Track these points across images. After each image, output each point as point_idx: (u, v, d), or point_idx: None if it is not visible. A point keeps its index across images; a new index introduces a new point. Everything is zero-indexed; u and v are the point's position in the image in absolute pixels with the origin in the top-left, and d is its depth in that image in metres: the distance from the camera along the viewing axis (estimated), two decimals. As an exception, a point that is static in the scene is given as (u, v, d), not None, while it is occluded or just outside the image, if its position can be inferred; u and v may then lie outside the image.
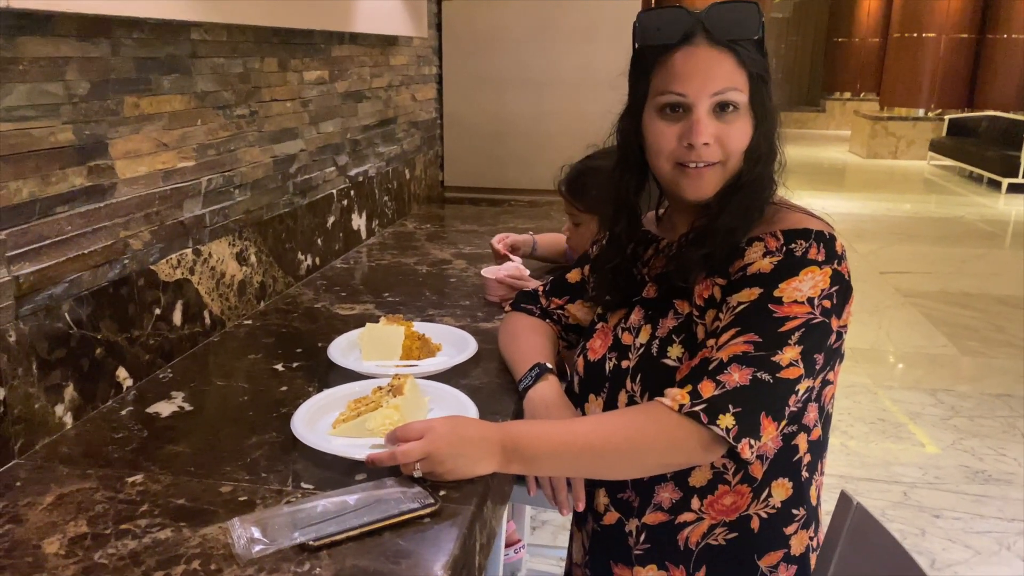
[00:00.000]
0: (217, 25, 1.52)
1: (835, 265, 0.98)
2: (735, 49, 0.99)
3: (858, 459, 3.09)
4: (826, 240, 0.99)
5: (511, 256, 1.94)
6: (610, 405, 1.10)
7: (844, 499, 0.97)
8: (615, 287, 1.17)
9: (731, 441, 0.92)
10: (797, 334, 0.94)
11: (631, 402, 1.07)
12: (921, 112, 12.05)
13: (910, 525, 2.66)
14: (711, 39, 1.00)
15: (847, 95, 15.20)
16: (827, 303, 0.96)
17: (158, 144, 1.38)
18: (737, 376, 0.93)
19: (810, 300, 0.95)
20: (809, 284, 0.96)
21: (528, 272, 1.77)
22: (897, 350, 4.26)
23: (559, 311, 1.32)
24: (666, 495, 1.06)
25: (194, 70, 1.48)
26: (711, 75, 0.99)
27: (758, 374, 0.93)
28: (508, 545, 1.93)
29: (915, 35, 11.92)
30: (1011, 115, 10.36)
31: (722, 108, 1.00)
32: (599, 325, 1.18)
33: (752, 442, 0.92)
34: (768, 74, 1.01)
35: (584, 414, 1.15)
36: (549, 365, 1.20)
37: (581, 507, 1.12)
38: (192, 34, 1.46)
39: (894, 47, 12.36)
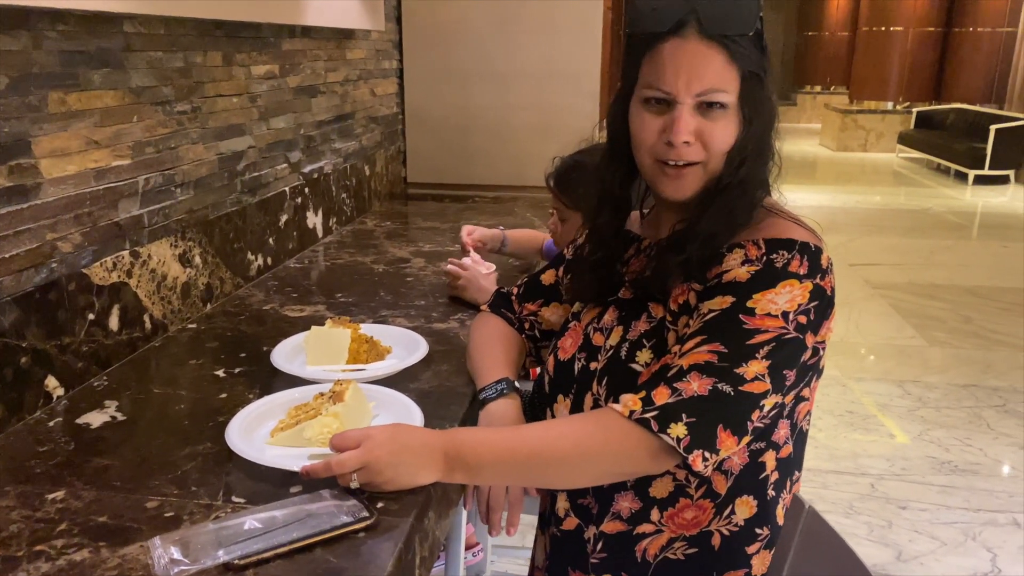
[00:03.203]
0: (153, 17, 1.46)
1: (817, 280, 0.93)
2: (727, 45, 0.93)
3: (826, 451, 3.09)
4: (811, 252, 0.94)
5: (472, 253, 1.89)
6: (577, 407, 1.06)
7: (796, 502, 0.95)
8: (592, 285, 1.12)
9: (681, 452, 0.87)
10: (766, 348, 0.89)
11: (596, 406, 1.02)
12: (890, 105, 12.17)
13: (877, 517, 2.66)
14: (702, 32, 0.93)
15: (818, 88, 15.30)
16: (803, 318, 0.91)
17: (88, 142, 1.32)
18: (696, 385, 0.89)
19: (784, 314, 0.90)
20: (786, 298, 0.91)
21: (489, 270, 1.71)
22: (866, 342, 4.28)
23: (531, 318, 1.27)
24: (625, 504, 1.01)
25: (128, 64, 1.41)
26: (697, 72, 0.93)
27: (719, 385, 0.88)
28: (467, 548, 1.89)
29: (883, 29, 12.04)
30: (977, 108, 10.50)
31: (707, 106, 0.94)
32: (572, 324, 1.13)
33: (707, 455, 0.88)
34: (765, 71, 0.95)
35: (553, 415, 1.10)
36: (517, 384, 1.16)
37: (513, 532, 1.08)
38: (125, 26, 1.40)
39: (863, 40, 12.47)
